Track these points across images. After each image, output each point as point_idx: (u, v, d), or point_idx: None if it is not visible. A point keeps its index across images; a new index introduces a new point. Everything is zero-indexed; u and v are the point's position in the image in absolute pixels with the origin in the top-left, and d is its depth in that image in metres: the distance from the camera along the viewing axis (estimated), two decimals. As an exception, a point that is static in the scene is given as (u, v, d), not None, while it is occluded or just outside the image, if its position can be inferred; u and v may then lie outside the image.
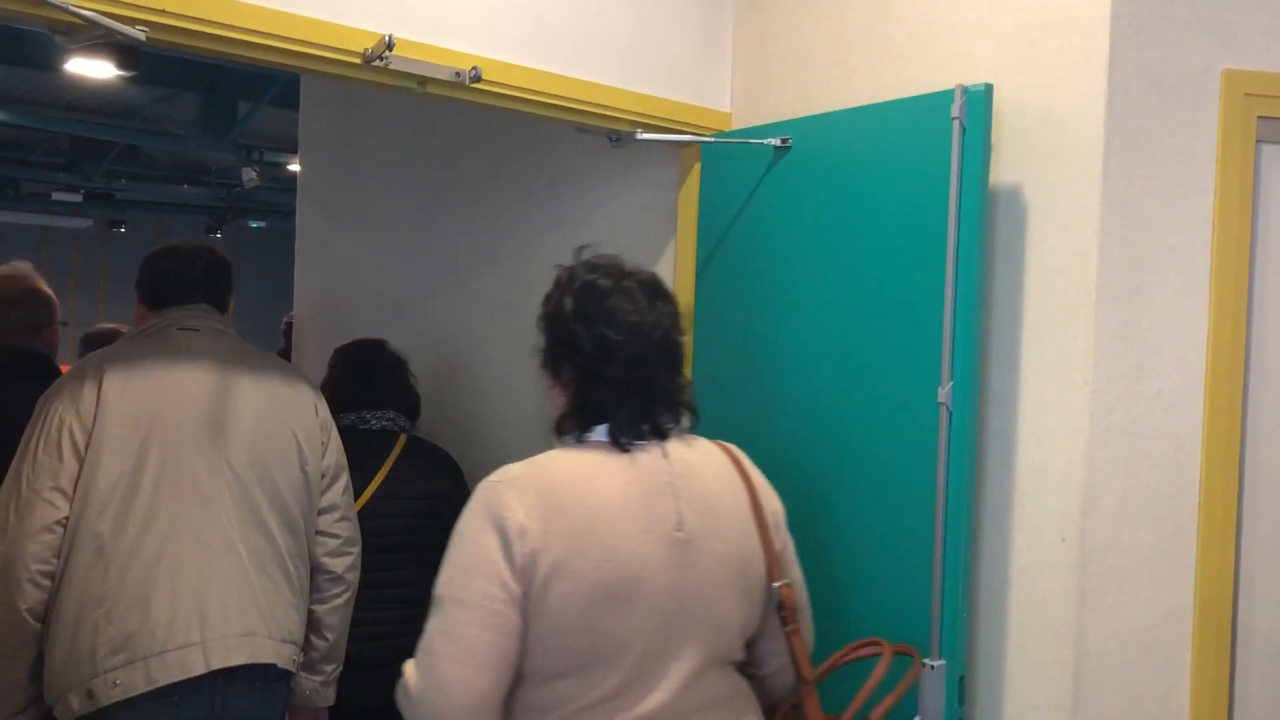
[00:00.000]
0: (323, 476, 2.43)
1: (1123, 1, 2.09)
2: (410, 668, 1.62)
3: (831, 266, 2.42)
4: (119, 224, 14.17)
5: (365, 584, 2.55)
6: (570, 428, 1.72)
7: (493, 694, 1.57)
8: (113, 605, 2.08)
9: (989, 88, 2.15)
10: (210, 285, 2.49)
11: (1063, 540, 2.14)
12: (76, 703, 2.05)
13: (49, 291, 3.31)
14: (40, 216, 13.89)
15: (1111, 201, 2.10)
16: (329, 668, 2.45)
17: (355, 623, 2.52)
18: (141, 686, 2.06)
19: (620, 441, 1.68)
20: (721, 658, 1.72)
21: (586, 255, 1.81)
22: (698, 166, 2.78)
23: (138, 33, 1.83)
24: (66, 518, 2.10)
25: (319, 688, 2.44)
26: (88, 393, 2.17)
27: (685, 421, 1.80)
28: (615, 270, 1.76)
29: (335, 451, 2.48)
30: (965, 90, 2.15)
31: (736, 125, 2.78)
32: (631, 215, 3.07)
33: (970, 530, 2.20)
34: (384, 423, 3.01)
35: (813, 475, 2.45)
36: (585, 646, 1.58)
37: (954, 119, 2.14)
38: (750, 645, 1.80)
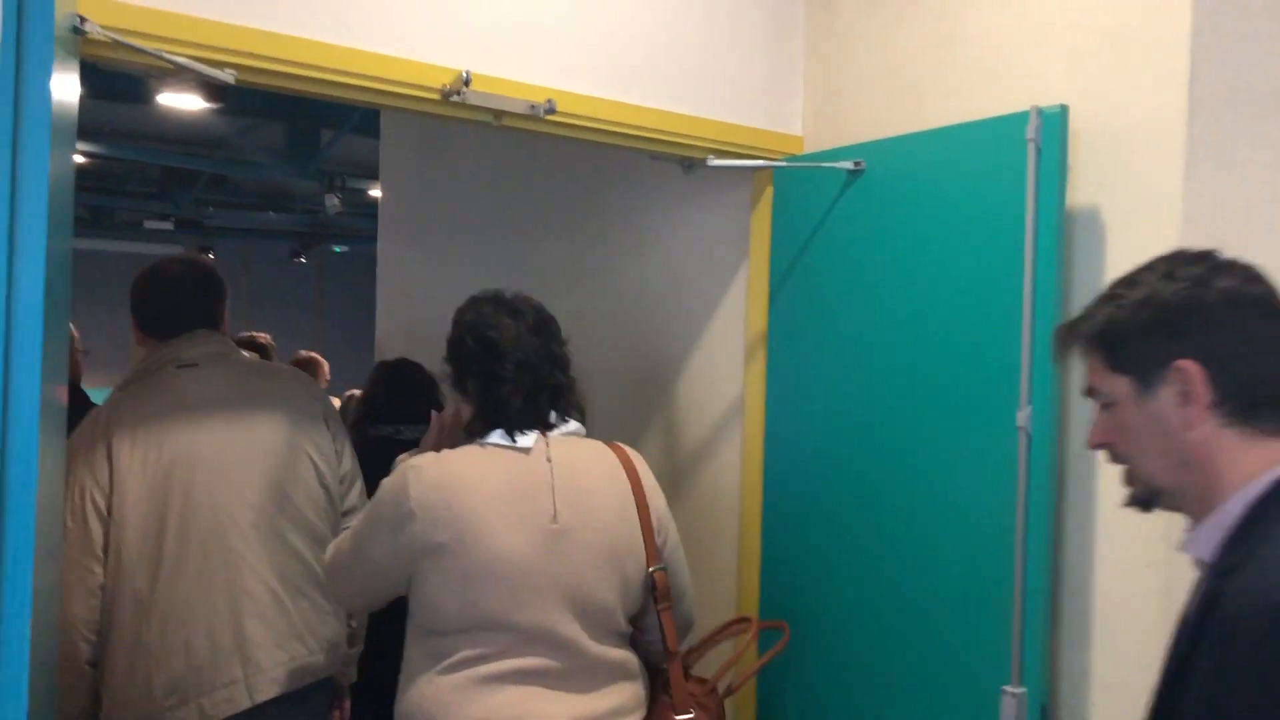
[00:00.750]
0: (340, 482, 2.49)
1: (1203, 18, 2.06)
2: (331, 547, 2.10)
3: (906, 290, 2.41)
4: (208, 250, 14.52)
5: None
6: (477, 430, 2.00)
7: (360, 602, 2.17)
8: (160, 652, 2.21)
9: (1064, 109, 2.13)
10: (202, 307, 2.44)
11: (1147, 566, 2.10)
12: None
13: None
14: (133, 244, 14.32)
15: (1193, 220, 2.06)
16: (352, 650, 2.57)
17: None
18: None
19: (514, 438, 1.97)
20: (604, 630, 1.98)
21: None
22: (770, 190, 2.79)
23: (227, 75, 1.91)
24: (104, 583, 2.22)
25: (343, 669, 2.55)
26: (100, 457, 2.23)
27: (574, 422, 2.06)
28: (495, 298, 2.10)
29: (349, 457, 2.53)
30: (1040, 112, 2.13)
31: (809, 149, 2.79)
32: (704, 239, 3.09)
33: (1051, 556, 2.17)
34: (417, 434, 3.19)
35: (890, 499, 2.44)
36: (461, 615, 1.88)
37: (1029, 141, 2.13)
38: (635, 619, 2.07)
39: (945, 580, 2.30)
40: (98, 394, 3.19)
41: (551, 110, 2.31)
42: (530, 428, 1.99)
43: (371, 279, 5.03)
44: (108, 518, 2.22)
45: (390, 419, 3.21)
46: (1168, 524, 2.08)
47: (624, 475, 2.06)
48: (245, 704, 2.24)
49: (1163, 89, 2.09)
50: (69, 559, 2.18)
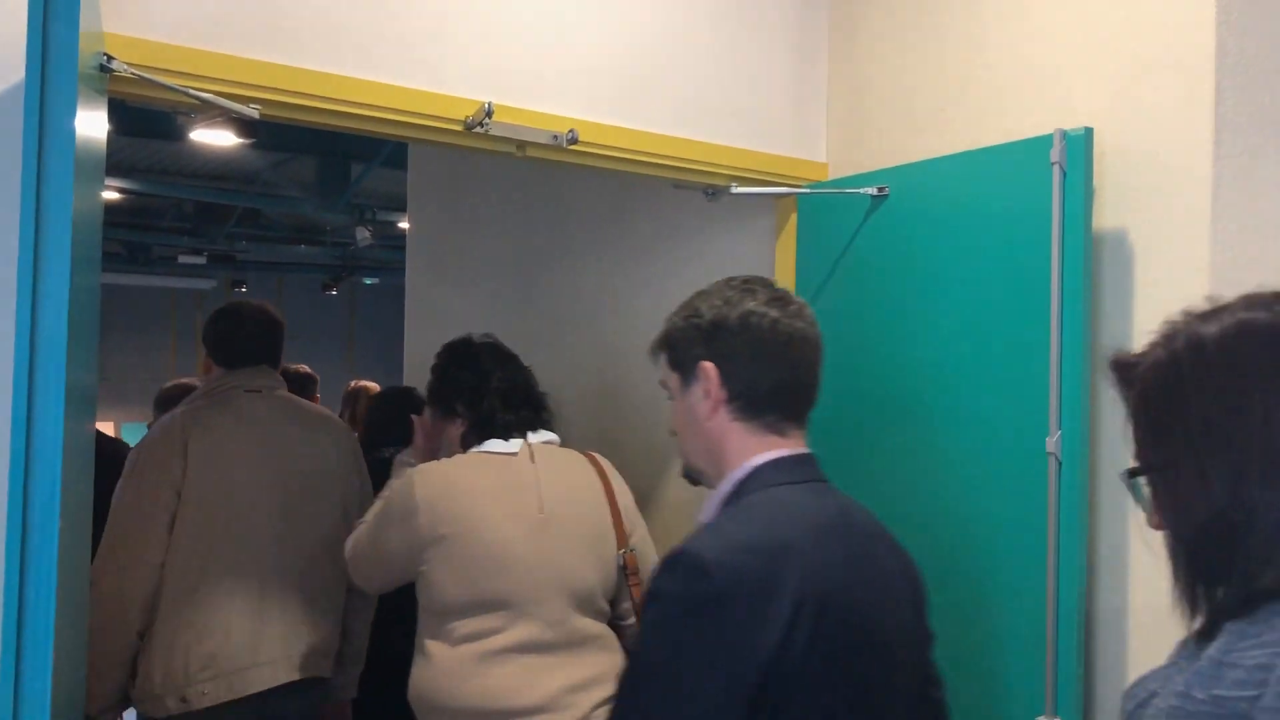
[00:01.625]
0: (359, 510, 2.75)
1: (1228, 39, 2.05)
2: (350, 539, 2.39)
3: (933, 315, 2.39)
4: (241, 284, 14.69)
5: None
6: (471, 442, 2.32)
7: (377, 585, 2.40)
8: (201, 630, 2.52)
9: (1089, 132, 2.12)
10: (268, 347, 2.85)
11: (1183, 593, 2.06)
12: (172, 705, 2.51)
13: None
14: (168, 279, 14.52)
15: (1222, 242, 2.04)
16: (353, 668, 2.91)
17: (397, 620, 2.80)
18: (224, 696, 2.52)
19: (508, 442, 2.28)
20: (586, 608, 2.24)
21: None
22: (794, 217, 2.78)
23: (251, 110, 1.93)
24: (163, 560, 2.53)
25: (345, 684, 2.89)
26: (176, 452, 2.58)
27: (550, 433, 2.38)
28: (466, 339, 2.48)
29: (368, 490, 2.87)
30: (1065, 135, 2.12)
31: (833, 175, 2.78)
32: (729, 267, 3.05)
33: (1084, 583, 2.13)
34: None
35: (919, 526, 2.41)
36: (464, 596, 2.15)
37: (1054, 164, 2.12)
38: (613, 604, 2.34)
39: (976, 608, 2.27)
40: (134, 429, 3.25)
41: (574, 140, 2.33)
42: (516, 435, 2.31)
43: (402, 310, 5.06)
44: (175, 506, 2.54)
45: (389, 442, 3.38)
46: (1203, 550, 2.05)
47: (595, 474, 2.37)
48: (270, 683, 2.56)
49: (1188, 110, 2.08)
50: (138, 537, 2.51)
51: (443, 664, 2.15)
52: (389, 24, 2.15)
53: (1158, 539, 2.07)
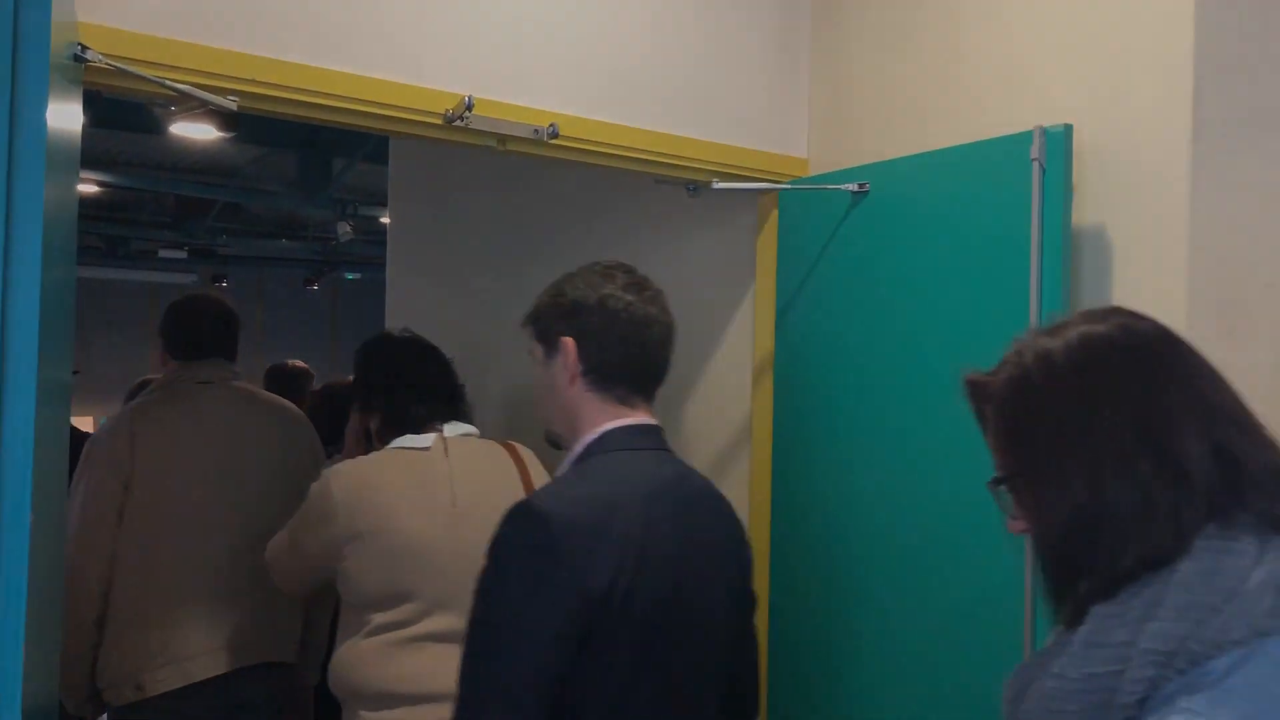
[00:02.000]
0: None
1: (1207, 37, 2.05)
2: (270, 545, 2.39)
3: (912, 311, 2.40)
4: (221, 278, 14.58)
5: None
6: (387, 437, 2.34)
7: (297, 588, 2.45)
8: (153, 618, 2.56)
9: (1069, 128, 2.12)
10: (222, 339, 2.89)
11: (1160, 589, 2.07)
12: (129, 693, 2.55)
13: None
14: (148, 273, 14.40)
15: (1200, 239, 2.05)
16: (314, 653, 2.94)
17: None
18: (179, 682, 2.56)
19: (420, 436, 2.30)
20: None
21: None
22: (775, 213, 2.78)
23: (229, 102, 1.92)
24: (115, 550, 2.57)
25: (306, 669, 2.94)
26: (124, 447, 2.61)
27: (466, 425, 2.39)
28: (387, 334, 2.56)
29: None
30: (1044, 131, 2.12)
31: (814, 171, 2.78)
32: (710, 263, 3.08)
33: (1062, 579, 2.14)
34: None
35: (899, 521, 2.42)
36: (380, 589, 2.18)
37: (1033, 160, 2.12)
38: None
39: (954, 607, 2.28)
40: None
41: (555, 134, 2.32)
42: (429, 429, 2.32)
43: (384, 306, 5.04)
44: (124, 496, 2.57)
45: (334, 440, 3.21)
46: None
47: (512, 464, 2.38)
48: (224, 668, 2.60)
49: (1167, 107, 2.08)
50: (88, 529, 2.55)
51: (358, 651, 2.18)
52: (369, 16, 2.14)
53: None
